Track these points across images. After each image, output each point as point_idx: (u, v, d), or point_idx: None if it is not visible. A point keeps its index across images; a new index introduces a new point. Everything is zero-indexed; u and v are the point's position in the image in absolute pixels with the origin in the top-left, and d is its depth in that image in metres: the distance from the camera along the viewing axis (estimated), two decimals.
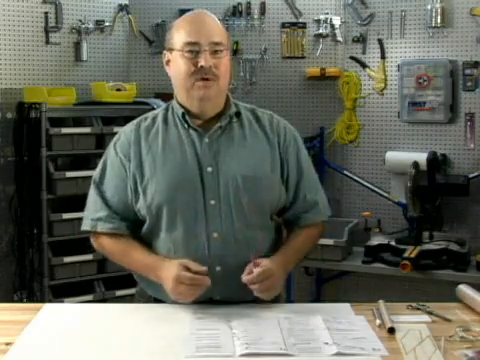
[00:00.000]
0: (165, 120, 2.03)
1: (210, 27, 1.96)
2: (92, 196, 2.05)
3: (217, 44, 1.93)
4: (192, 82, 1.93)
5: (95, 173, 2.07)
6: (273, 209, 2.03)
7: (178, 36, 1.95)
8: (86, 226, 2.05)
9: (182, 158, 1.96)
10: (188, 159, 1.96)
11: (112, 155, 2.03)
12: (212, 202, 1.94)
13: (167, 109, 2.06)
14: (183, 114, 1.99)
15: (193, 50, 1.92)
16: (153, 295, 2.04)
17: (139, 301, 2.09)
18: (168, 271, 1.87)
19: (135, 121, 2.07)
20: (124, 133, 2.05)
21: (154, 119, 2.05)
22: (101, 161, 2.07)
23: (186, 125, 1.99)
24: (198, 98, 1.95)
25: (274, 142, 2.02)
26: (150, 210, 1.96)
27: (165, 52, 2.02)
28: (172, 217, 1.95)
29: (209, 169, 1.95)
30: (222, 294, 1.96)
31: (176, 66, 1.96)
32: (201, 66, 1.90)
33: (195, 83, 1.93)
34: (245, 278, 1.87)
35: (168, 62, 2.01)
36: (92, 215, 2.04)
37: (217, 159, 1.96)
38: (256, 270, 1.86)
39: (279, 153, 2.02)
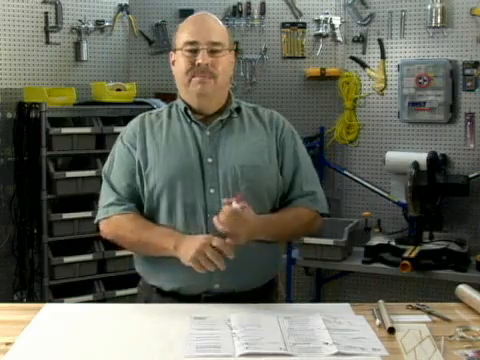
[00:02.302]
0: (169, 115, 2.12)
1: (210, 27, 2.04)
2: (103, 187, 2.12)
3: (215, 44, 2.01)
4: (189, 78, 2.02)
5: (104, 166, 2.14)
6: (272, 198, 2.07)
7: (181, 36, 2.05)
8: (99, 216, 2.09)
9: (184, 149, 2.04)
10: (190, 150, 2.03)
11: (119, 146, 2.11)
12: (212, 191, 2.00)
13: (171, 106, 2.15)
14: (185, 109, 2.08)
15: (192, 49, 2.01)
16: (155, 284, 2.06)
17: (141, 294, 2.11)
18: (193, 242, 1.88)
19: (140, 115, 2.15)
20: (130, 126, 2.14)
21: (158, 114, 2.14)
22: (109, 155, 2.14)
23: (188, 119, 2.07)
24: (195, 93, 2.03)
25: (272, 135, 2.10)
26: (151, 196, 2.03)
27: (171, 53, 2.11)
28: (172, 203, 2.01)
29: (209, 160, 2.02)
30: (221, 283, 1.99)
31: (177, 64, 2.06)
32: (198, 63, 1.99)
33: (192, 79, 2.02)
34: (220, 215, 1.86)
35: (173, 62, 2.10)
36: (103, 203, 2.09)
37: (217, 151, 2.03)
38: (227, 209, 1.85)
39: (276, 145, 2.09)
